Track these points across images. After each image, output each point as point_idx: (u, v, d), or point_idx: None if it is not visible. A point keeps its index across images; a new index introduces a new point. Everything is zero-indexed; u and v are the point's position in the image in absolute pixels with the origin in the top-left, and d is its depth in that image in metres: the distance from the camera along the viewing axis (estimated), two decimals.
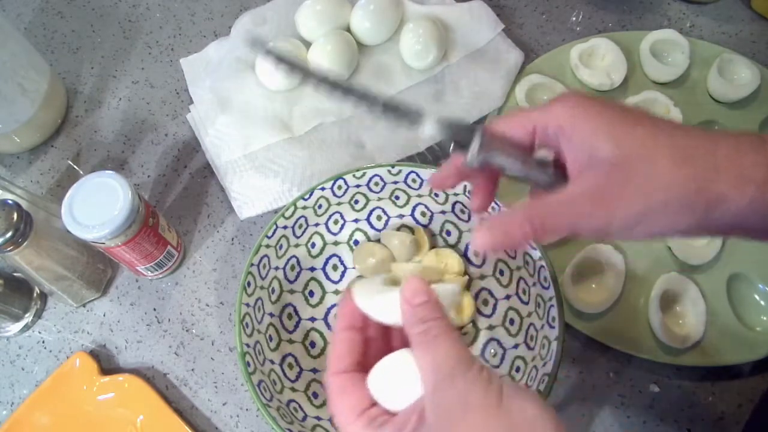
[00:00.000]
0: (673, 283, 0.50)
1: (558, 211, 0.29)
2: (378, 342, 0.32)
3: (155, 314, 0.54)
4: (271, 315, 0.47)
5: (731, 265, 0.51)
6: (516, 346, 0.45)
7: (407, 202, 0.51)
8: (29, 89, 0.58)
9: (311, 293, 0.51)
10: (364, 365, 0.31)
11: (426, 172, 0.48)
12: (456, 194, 0.49)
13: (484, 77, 0.59)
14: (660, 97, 0.57)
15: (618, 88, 0.59)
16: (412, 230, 0.52)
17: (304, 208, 0.49)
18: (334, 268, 0.52)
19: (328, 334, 0.49)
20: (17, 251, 0.45)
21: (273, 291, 0.48)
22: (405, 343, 0.29)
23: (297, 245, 0.50)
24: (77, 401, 0.49)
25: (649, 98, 0.57)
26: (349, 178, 0.49)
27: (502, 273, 0.48)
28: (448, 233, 0.51)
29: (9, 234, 0.44)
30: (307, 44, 0.60)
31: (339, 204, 0.51)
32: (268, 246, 0.47)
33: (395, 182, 0.50)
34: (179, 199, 0.59)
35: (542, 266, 0.43)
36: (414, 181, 0.49)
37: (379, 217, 0.52)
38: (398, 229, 0.52)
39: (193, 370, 0.51)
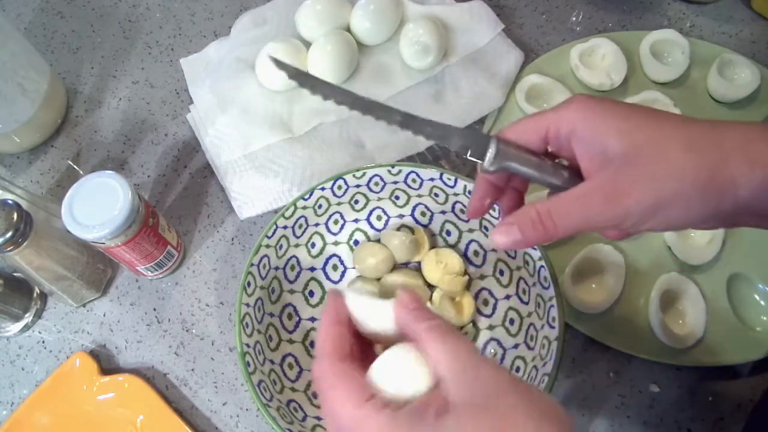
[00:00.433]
0: (673, 283, 0.50)
1: (572, 206, 0.29)
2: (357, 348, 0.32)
3: (155, 314, 0.54)
4: (271, 315, 0.47)
5: (731, 265, 0.51)
6: (516, 346, 0.45)
7: (407, 202, 0.51)
8: (29, 89, 0.58)
9: (311, 293, 0.51)
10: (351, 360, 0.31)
11: (426, 172, 0.48)
12: (456, 194, 0.49)
13: (484, 77, 0.59)
14: (660, 97, 0.57)
15: (618, 88, 0.59)
16: (412, 230, 0.52)
17: (304, 208, 0.49)
18: (334, 268, 0.52)
19: None
20: (17, 251, 0.45)
21: (273, 291, 0.48)
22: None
23: (297, 245, 0.50)
24: (77, 401, 0.49)
25: (649, 98, 0.57)
26: (349, 178, 0.49)
27: (502, 273, 0.48)
28: (448, 233, 0.51)
29: (9, 234, 0.44)
30: (307, 44, 0.60)
31: (339, 204, 0.51)
32: (268, 246, 0.47)
33: (395, 182, 0.50)
34: (179, 199, 0.59)
35: (542, 266, 0.43)
36: (414, 181, 0.49)
37: (379, 217, 0.52)
38: (398, 229, 0.52)
39: (193, 370, 0.51)
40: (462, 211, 0.49)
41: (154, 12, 0.70)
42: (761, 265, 0.50)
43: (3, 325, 0.53)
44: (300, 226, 0.50)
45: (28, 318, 0.53)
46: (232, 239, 0.57)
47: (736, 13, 0.66)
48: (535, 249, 0.44)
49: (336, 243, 0.52)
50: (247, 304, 0.45)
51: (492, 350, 0.47)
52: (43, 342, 0.53)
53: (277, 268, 0.49)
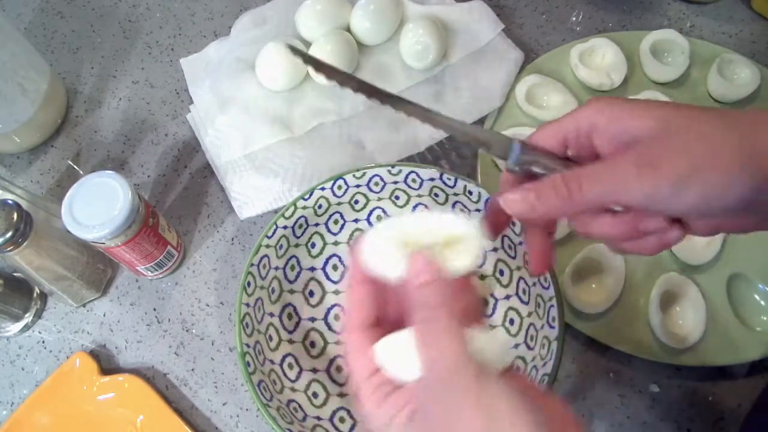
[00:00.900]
0: (673, 283, 0.50)
1: (602, 172, 0.28)
2: (396, 291, 0.30)
3: (155, 314, 0.54)
4: (271, 315, 0.47)
5: (731, 265, 0.51)
6: (516, 346, 0.45)
7: (407, 202, 0.51)
8: (29, 89, 0.58)
9: (311, 293, 0.51)
10: (381, 320, 0.30)
11: (426, 172, 0.48)
12: (456, 194, 0.49)
13: (484, 77, 0.59)
14: (660, 97, 0.57)
15: (618, 88, 0.59)
16: None
17: (304, 208, 0.49)
18: (334, 268, 0.52)
19: (328, 334, 0.49)
20: (17, 251, 0.45)
21: (273, 291, 0.48)
22: None
23: (297, 245, 0.50)
24: (77, 401, 0.49)
25: (649, 98, 0.57)
26: (349, 178, 0.49)
27: (502, 273, 0.48)
28: None
29: (9, 234, 0.44)
30: (307, 44, 0.60)
31: (339, 204, 0.51)
32: (268, 246, 0.47)
33: (395, 182, 0.50)
34: (179, 199, 0.59)
35: None
36: (414, 181, 0.49)
37: (379, 217, 0.52)
38: None
39: (193, 370, 0.51)
40: (462, 210, 0.49)
41: (154, 12, 0.70)
42: (761, 265, 0.50)
43: (3, 325, 0.53)
44: (300, 226, 0.50)
45: (28, 318, 0.53)
46: (232, 239, 0.57)
47: (736, 13, 0.66)
48: None
49: (336, 243, 0.52)
50: (247, 304, 0.45)
51: None
52: (43, 342, 0.53)
53: (277, 268, 0.49)
